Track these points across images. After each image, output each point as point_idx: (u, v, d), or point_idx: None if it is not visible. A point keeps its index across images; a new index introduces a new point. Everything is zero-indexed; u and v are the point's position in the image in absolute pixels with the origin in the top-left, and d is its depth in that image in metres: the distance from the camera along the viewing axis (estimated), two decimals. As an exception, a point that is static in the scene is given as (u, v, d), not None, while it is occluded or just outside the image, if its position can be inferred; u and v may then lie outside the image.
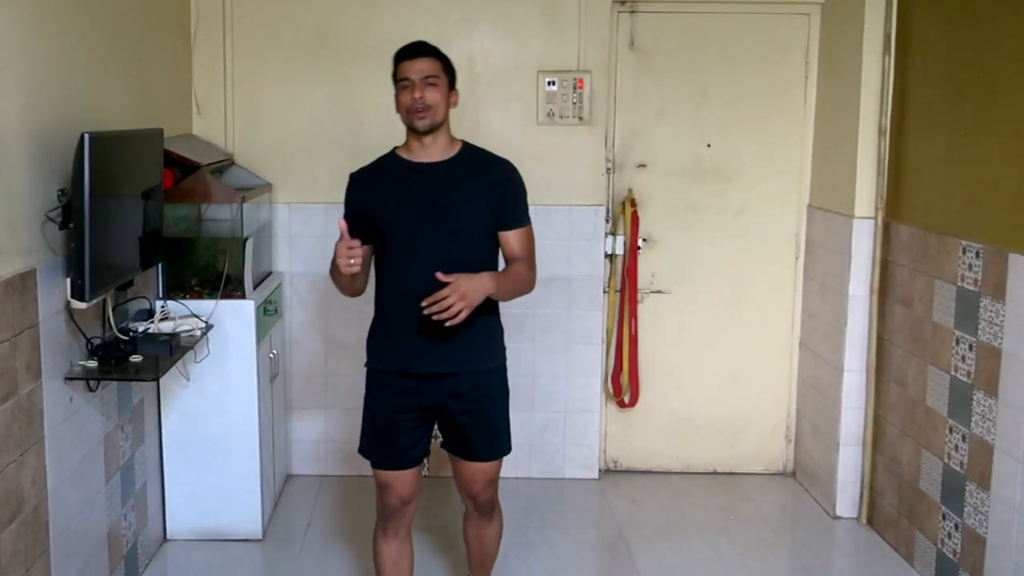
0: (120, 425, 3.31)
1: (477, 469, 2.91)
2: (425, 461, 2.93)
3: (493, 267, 2.85)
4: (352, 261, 2.62)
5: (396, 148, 2.88)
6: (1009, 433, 3.09)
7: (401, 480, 2.88)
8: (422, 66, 2.72)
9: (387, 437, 2.86)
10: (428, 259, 2.67)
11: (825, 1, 4.34)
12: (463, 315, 2.57)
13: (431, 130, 2.74)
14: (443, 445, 2.97)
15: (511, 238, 2.84)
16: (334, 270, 2.77)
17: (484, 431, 2.88)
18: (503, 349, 2.95)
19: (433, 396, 2.81)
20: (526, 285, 2.86)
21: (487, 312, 2.81)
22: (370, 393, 2.90)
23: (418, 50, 2.75)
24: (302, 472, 4.55)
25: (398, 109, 2.78)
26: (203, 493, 3.79)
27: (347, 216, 2.81)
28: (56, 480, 2.78)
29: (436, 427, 2.94)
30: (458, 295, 2.56)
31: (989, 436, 3.19)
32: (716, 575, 3.71)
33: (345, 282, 2.80)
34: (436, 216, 2.72)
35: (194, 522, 3.82)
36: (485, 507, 3.00)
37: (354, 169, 2.91)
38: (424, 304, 2.56)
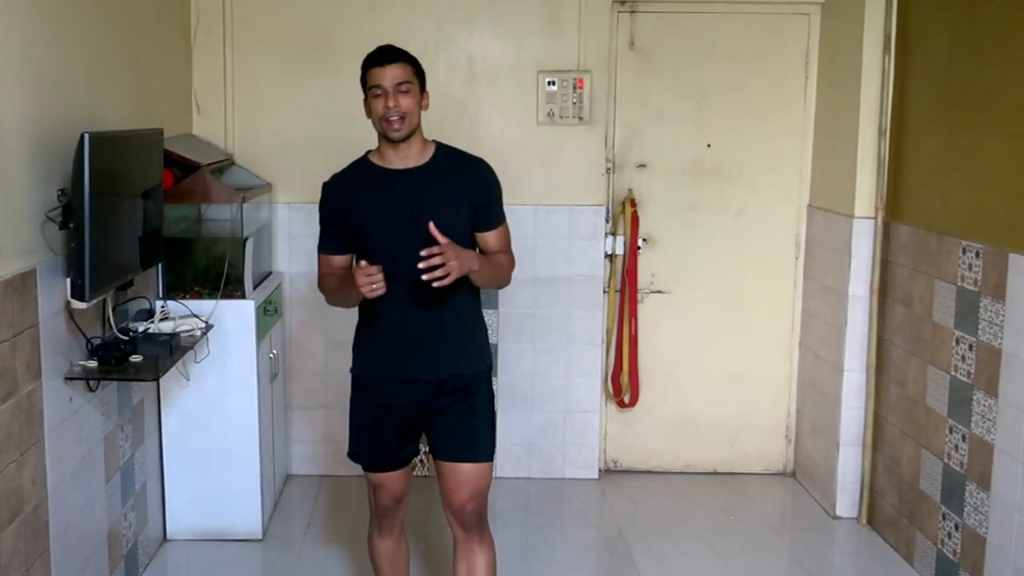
0: (120, 425, 3.31)
1: (461, 475, 2.80)
2: (420, 460, 2.88)
3: None
4: (375, 285, 2.55)
5: (368, 153, 2.82)
6: (1009, 433, 3.09)
7: (392, 479, 2.87)
8: (394, 72, 2.65)
9: (375, 441, 2.85)
10: (409, 266, 2.57)
11: (825, 1, 4.34)
12: (452, 277, 2.53)
13: (406, 138, 2.69)
14: (430, 451, 2.90)
15: (489, 237, 2.81)
16: (334, 287, 2.77)
17: (468, 432, 2.81)
18: (488, 352, 2.91)
19: (417, 399, 2.78)
20: (505, 275, 2.84)
21: (471, 313, 2.83)
22: (355, 399, 2.88)
23: (388, 56, 2.67)
24: (302, 472, 4.55)
25: (369, 115, 2.71)
26: (203, 493, 3.79)
27: (322, 223, 2.82)
28: (56, 480, 2.78)
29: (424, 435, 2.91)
30: (454, 254, 2.53)
31: (989, 436, 3.19)
32: (716, 575, 3.71)
33: (347, 298, 2.75)
34: (416, 223, 2.63)
35: (194, 522, 3.81)
36: (472, 521, 2.82)
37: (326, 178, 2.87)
38: (423, 254, 2.50)
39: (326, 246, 2.83)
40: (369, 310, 2.79)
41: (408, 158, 2.73)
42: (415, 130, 2.72)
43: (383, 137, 2.72)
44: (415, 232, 2.61)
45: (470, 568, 2.85)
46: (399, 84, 2.64)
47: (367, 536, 3.04)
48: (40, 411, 2.68)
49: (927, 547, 3.60)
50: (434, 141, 2.81)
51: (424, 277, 2.51)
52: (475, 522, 2.84)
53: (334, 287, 2.80)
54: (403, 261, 2.61)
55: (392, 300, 2.64)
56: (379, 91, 2.64)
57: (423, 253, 2.50)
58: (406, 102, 2.65)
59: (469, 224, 2.76)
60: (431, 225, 2.53)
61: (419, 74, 2.73)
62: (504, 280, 2.86)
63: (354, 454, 2.91)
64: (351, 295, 2.68)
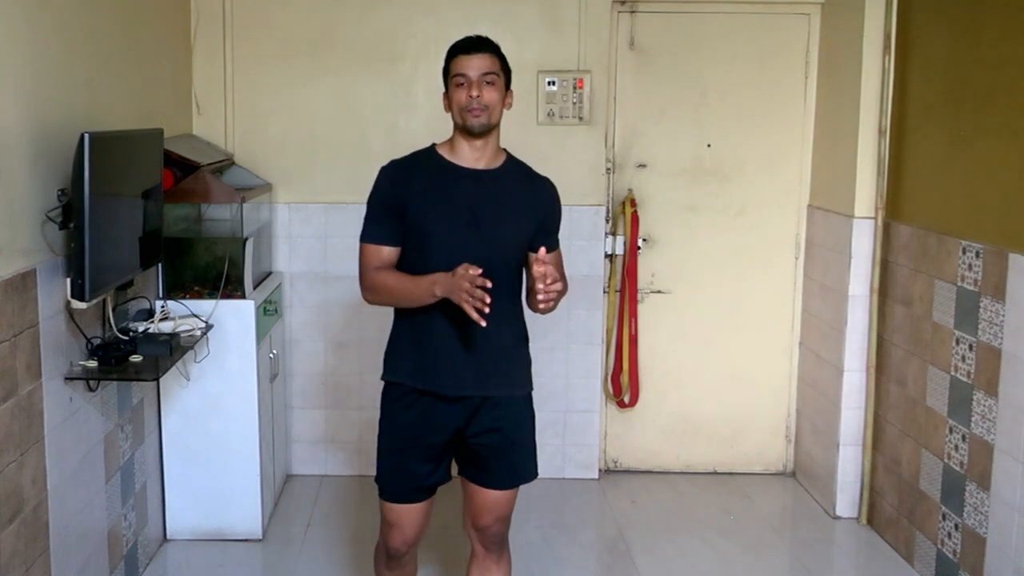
0: (120, 425, 3.31)
1: (491, 499, 2.67)
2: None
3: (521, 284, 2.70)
4: (488, 300, 2.29)
5: (436, 145, 2.64)
6: (1009, 433, 3.09)
7: (410, 519, 2.67)
8: (481, 63, 2.51)
9: (404, 461, 2.63)
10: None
11: (825, 1, 4.34)
12: (556, 304, 2.44)
13: (485, 132, 2.53)
14: (460, 472, 2.74)
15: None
16: (393, 285, 2.53)
17: (508, 457, 2.67)
18: (531, 378, 2.78)
19: (457, 418, 2.60)
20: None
21: (520, 338, 2.70)
22: (388, 413, 2.66)
23: (477, 45, 2.54)
24: (302, 472, 4.55)
25: (448, 107, 2.56)
26: (203, 493, 3.79)
27: (375, 210, 2.58)
28: (56, 480, 2.78)
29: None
30: (560, 275, 2.42)
31: (989, 436, 3.19)
32: (716, 575, 3.71)
33: (407, 299, 2.53)
34: (481, 227, 2.52)
35: (194, 522, 3.82)
36: (494, 541, 2.73)
37: (385, 162, 2.65)
38: (541, 273, 2.37)
39: (376, 235, 2.58)
40: (416, 313, 2.56)
41: (482, 158, 2.58)
42: (495, 127, 2.57)
43: (461, 130, 2.55)
44: (475, 234, 2.52)
45: None
46: (485, 74, 2.51)
47: (373, 556, 2.87)
48: (40, 411, 2.68)
49: (927, 547, 3.60)
50: (505, 149, 2.67)
51: (540, 299, 2.39)
52: (497, 543, 2.74)
53: (392, 284, 2.54)
54: (460, 263, 2.39)
55: (443, 308, 2.47)
56: (463, 80, 2.51)
57: (539, 270, 2.36)
58: (490, 94, 2.51)
59: (528, 241, 2.61)
60: (542, 250, 2.38)
61: (506, 70, 2.59)
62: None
63: (381, 478, 2.68)
64: (413, 297, 2.49)
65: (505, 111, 2.60)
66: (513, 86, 4.25)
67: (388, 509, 2.68)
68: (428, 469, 2.64)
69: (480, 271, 2.32)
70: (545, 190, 2.68)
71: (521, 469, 2.70)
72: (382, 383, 2.70)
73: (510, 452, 2.67)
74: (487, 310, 2.29)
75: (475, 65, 2.51)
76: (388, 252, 2.57)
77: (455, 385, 2.57)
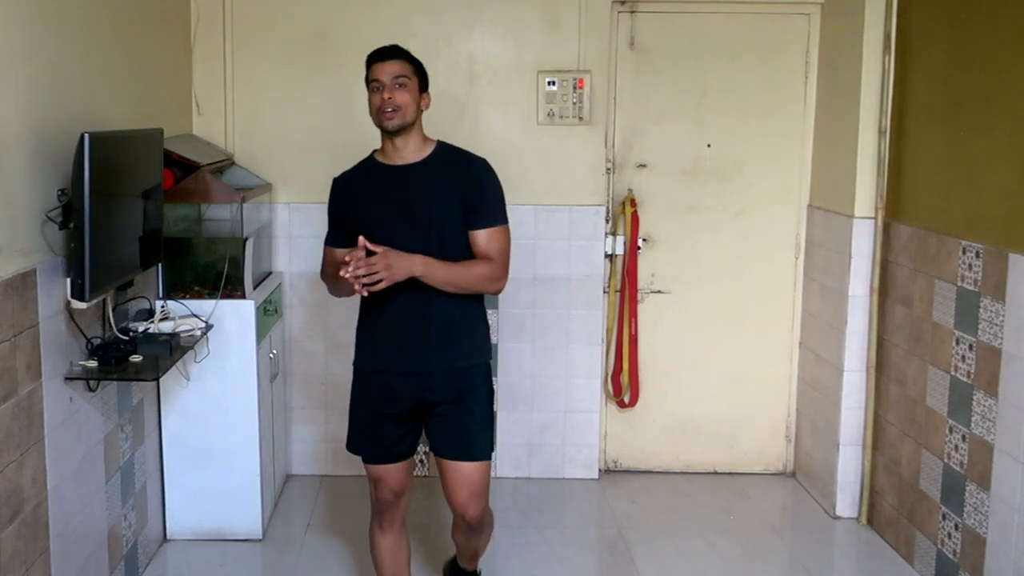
0: (120, 425, 3.31)
1: (458, 473, 2.89)
2: (421, 460, 2.91)
3: None
4: (358, 275, 2.61)
5: (374, 152, 2.93)
6: (1009, 433, 3.09)
7: (392, 473, 2.94)
8: (392, 68, 2.76)
9: (373, 433, 2.92)
10: None
11: (825, 1, 4.34)
12: (381, 285, 2.63)
13: (400, 131, 2.78)
14: (430, 447, 2.97)
15: (478, 237, 2.82)
16: (332, 276, 2.85)
17: (462, 430, 2.88)
18: (487, 346, 2.96)
19: (412, 392, 2.86)
20: (477, 281, 2.82)
21: (464, 307, 2.86)
22: (354, 392, 2.98)
23: (388, 53, 2.80)
24: (302, 472, 4.55)
25: (370, 112, 2.81)
26: (203, 493, 3.79)
27: (330, 219, 2.95)
28: (56, 480, 2.78)
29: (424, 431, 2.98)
30: (383, 264, 2.63)
31: (989, 436, 3.19)
32: (716, 575, 3.71)
33: (341, 287, 2.80)
34: (412, 217, 2.78)
35: (194, 522, 3.82)
36: (474, 523, 2.97)
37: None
38: (347, 259, 2.62)
39: (329, 239, 2.98)
40: (367, 305, 2.88)
41: (406, 154, 2.83)
42: (410, 125, 2.80)
43: (382, 132, 2.82)
44: (409, 226, 2.77)
45: (468, 541, 3.12)
46: (396, 78, 2.76)
47: (368, 532, 3.08)
48: (40, 411, 2.68)
49: (927, 547, 3.60)
50: (436, 140, 2.89)
51: (355, 287, 2.62)
52: (476, 518, 2.95)
53: (331, 275, 2.89)
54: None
55: (386, 294, 2.72)
56: (377, 84, 2.77)
57: (347, 259, 2.62)
58: (401, 96, 2.75)
59: (462, 221, 2.81)
60: (360, 238, 2.65)
61: (419, 73, 2.84)
62: (473, 286, 2.82)
63: (353, 445, 2.98)
64: (343, 285, 2.73)
65: (424, 111, 2.85)
66: (514, 86, 4.33)
67: (370, 468, 2.97)
68: (396, 435, 2.91)
69: (365, 246, 2.64)
70: (470, 167, 2.88)
71: (473, 442, 2.90)
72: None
73: (468, 424, 2.89)
74: (362, 282, 2.60)
75: (387, 70, 2.76)
76: (340, 252, 2.88)
77: (403, 363, 2.84)
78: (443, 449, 2.91)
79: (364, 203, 2.85)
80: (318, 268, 4.44)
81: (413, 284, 2.71)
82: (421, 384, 2.85)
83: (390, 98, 2.74)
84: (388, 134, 2.80)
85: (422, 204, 2.79)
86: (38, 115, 2.68)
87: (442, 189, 2.80)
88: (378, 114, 2.77)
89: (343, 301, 4.47)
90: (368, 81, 2.81)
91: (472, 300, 2.89)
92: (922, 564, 3.64)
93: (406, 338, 2.83)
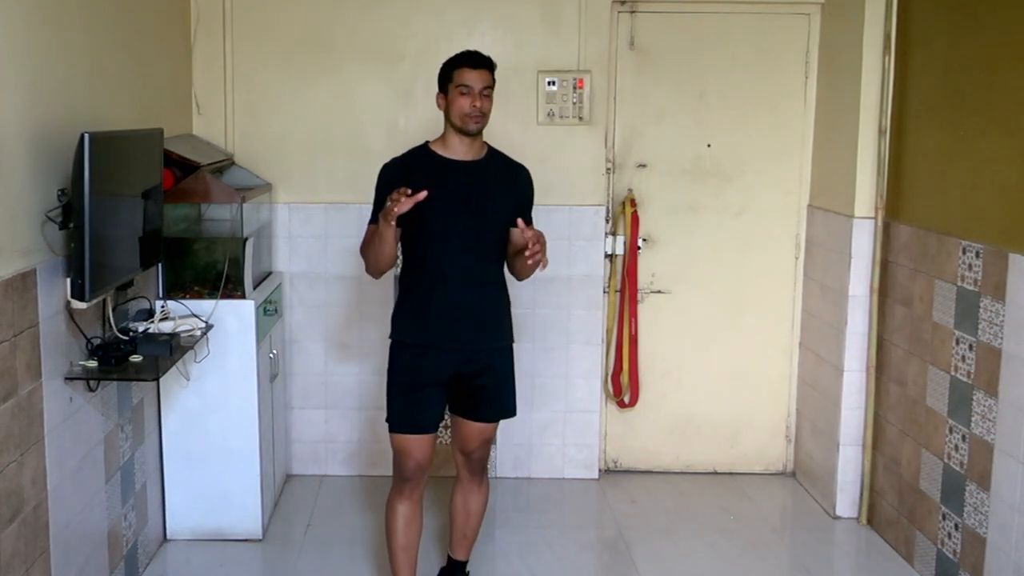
0: (120, 425, 3.31)
1: (478, 428, 3.20)
2: (441, 431, 3.21)
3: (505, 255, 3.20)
4: (398, 206, 2.80)
5: (428, 143, 3.11)
6: (1009, 433, 3.09)
7: (419, 446, 3.12)
8: (484, 77, 3.00)
9: (410, 403, 3.11)
10: (460, 246, 3.03)
11: (825, 1, 4.34)
12: (534, 270, 3.01)
13: (479, 134, 3.05)
14: (451, 410, 3.22)
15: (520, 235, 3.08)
16: (368, 239, 3.04)
17: (495, 399, 3.19)
18: (513, 332, 3.24)
19: (453, 365, 3.09)
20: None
21: (506, 297, 3.19)
22: (396, 363, 3.15)
23: (481, 61, 3.01)
24: (302, 472, 4.55)
25: (445, 108, 3.03)
26: (203, 493, 3.79)
27: (377, 201, 3.05)
28: (56, 480, 2.78)
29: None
30: (544, 243, 2.92)
31: (989, 436, 3.19)
32: (716, 575, 3.71)
33: (383, 252, 2.97)
34: (470, 208, 3.03)
35: (194, 522, 3.82)
36: (477, 465, 3.28)
37: (387, 160, 3.14)
38: (531, 237, 2.89)
39: (373, 219, 3.08)
40: (418, 283, 3.10)
41: (470, 152, 3.08)
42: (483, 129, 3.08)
43: (458, 130, 3.03)
44: (467, 217, 3.02)
45: (466, 501, 3.32)
46: (485, 88, 3.00)
47: (386, 505, 3.21)
48: (40, 411, 2.68)
49: (927, 547, 3.60)
50: (486, 142, 3.15)
51: (527, 257, 2.89)
52: (480, 467, 3.29)
53: (368, 239, 3.06)
54: (455, 240, 3.02)
55: (441, 275, 3.04)
56: (467, 90, 2.99)
57: (528, 235, 2.90)
58: (486, 104, 3.01)
59: (510, 217, 3.07)
60: (519, 221, 2.98)
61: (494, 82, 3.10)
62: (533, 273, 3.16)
63: (391, 417, 3.14)
64: (379, 235, 2.94)
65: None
66: (514, 86, 4.41)
67: (399, 440, 3.13)
68: (428, 407, 3.13)
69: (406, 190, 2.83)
70: (522, 173, 3.23)
71: (505, 406, 3.24)
72: (389, 341, 3.18)
73: (498, 392, 3.20)
74: (401, 207, 2.80)
75: (480, 79, 2.99)
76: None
77: (451, 339, 3.08)
78: (472, 415, 3.18)
79: (424, 189, 2.91)
80: (318, 268, 4.52)
81: (469, 267, 3.03)
82: (462, 358, 3.09)
83: (480, 106, 2.98)
84: (467, 135, 3.03)
85: (482, 199, 3.05)
86: (38, 115, 2.68)
87: (502, 189, 3.11)
88: (465, 117, 2.99)
89: (343, 302, 4.51)
90: (453, 83, 2.99)
91: (504, 290, 3.19)
92: (922, 564, 3.64)
93: (460, 316, 3.07)
